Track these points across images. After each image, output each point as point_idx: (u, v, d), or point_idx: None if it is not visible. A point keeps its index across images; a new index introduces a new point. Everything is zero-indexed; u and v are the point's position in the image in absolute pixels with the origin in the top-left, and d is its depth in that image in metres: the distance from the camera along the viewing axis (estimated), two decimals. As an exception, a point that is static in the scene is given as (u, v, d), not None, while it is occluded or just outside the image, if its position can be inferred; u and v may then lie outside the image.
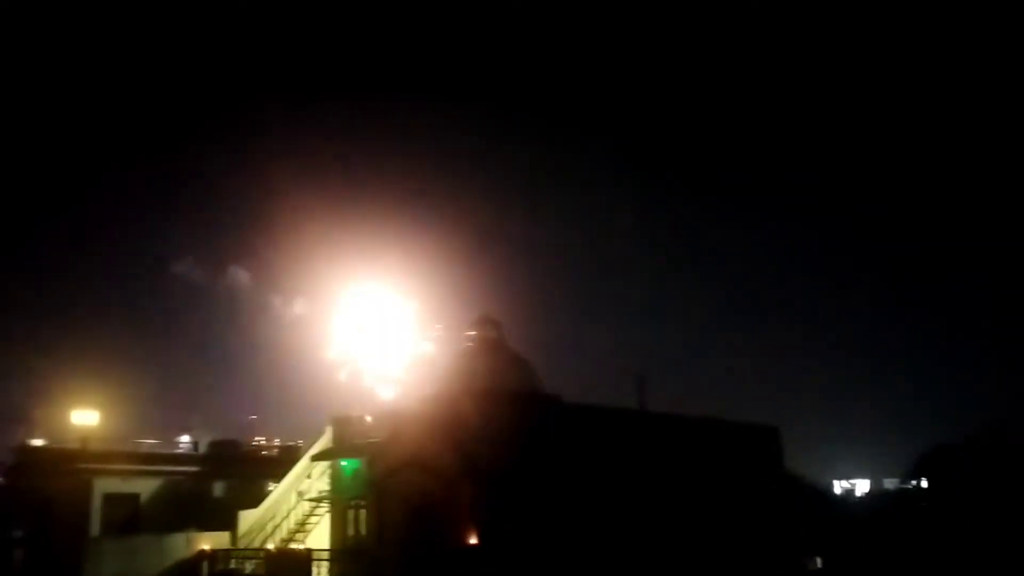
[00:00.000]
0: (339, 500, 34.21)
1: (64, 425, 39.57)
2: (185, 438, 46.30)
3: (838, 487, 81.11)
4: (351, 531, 33.27)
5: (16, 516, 37.61)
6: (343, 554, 31.91)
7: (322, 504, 35.27)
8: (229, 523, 35.15)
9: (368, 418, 35.95)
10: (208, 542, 34.23)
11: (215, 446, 42.26)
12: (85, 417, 38.08)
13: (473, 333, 34.46)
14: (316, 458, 36.37)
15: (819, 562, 43.91)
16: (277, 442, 48.82)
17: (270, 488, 37.50)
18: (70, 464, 36.38)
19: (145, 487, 37.33)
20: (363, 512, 32.92)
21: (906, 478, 61.58)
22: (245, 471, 40.32)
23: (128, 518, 36.41)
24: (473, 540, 28.80)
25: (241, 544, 34.65)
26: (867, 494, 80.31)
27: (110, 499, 36.16)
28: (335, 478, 34.84)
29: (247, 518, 35.46)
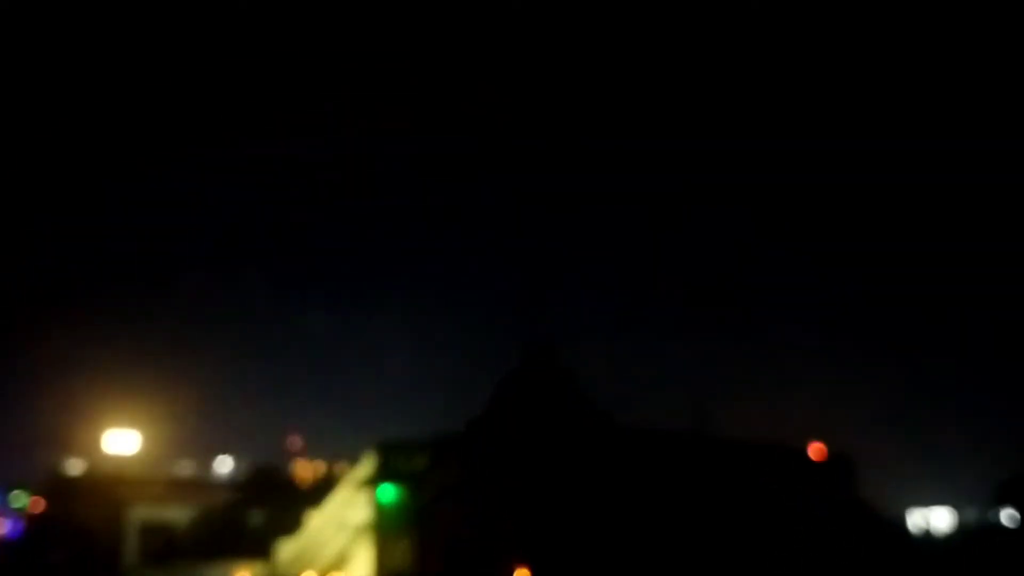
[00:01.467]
0: (380, 529, 32.72)
1: (101, 447, 38.96)
2: (226, 461, 45.40)
3: (916, 515, 77.97)
4: (392, 562, 31.79)
5: (53, 543, 36.91)
6: (384, 587, 30.50)
7: (363, 533, 33.88)
8: (267, 552, 33.91)
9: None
10: (245, 572, 33.08)
11: (254, 472, 41.30)
12: (123, 438, 37.43)
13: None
14: (356, 485, 34.96)
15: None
16: (320, 465, 47.67)
17: (309, 516, 36.17)
18: (106, 492, 35.71)
19: (182, 515, 36.61)
20: (405, 542, 31.43)
21: (989, 506, 58.70)
22: (284, 498, 39.18)
23: (164, 547, 35.55)
24: (522, 571, 27.29)
25: (280, 574, 33.33)
26: (947, 523, 77.18)
27: (146, 527, 35.45)
28: (376, 506, 33.37)
29: (286, 547, 34.16)
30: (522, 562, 27.37)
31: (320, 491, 37.94)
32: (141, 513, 35.37)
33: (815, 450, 38.43)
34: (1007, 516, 51.61)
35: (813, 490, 34.87)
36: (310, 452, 49.98)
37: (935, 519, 75.66)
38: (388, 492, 32.74)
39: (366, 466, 35.16)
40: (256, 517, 37.97)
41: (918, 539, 54.29)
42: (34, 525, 39.51)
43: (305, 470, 47.03)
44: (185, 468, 40.75)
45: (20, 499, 39.74)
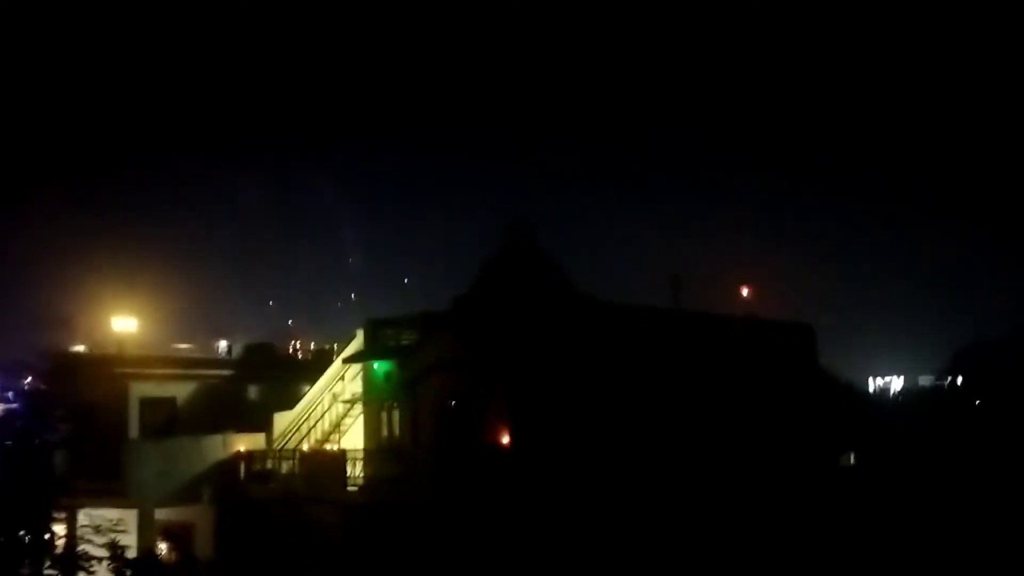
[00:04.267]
0: (372, 402, 34.31)
1: (103, 331, 40.01)
2: (222, 343, 46.67)
3: (872, 384, 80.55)
4: (385, 432, 33.43)
5: (57, 419, 38.00)
6: (377, 454, 32.11)
7: (356, 406, 35.50)
8: (264, 425, 35.56)
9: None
10: (244, 444, 34.67)
11: (249, 350, 42.50)
12: (124, 323, 38.40)
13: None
14: (348, 360, 36.44)
15: (852, 458, 43.92)
16: (312, 346, 49.10)
17: (304, 390, 37.70)
18: (107, 369, 36.73)
19: (181, 391, 37.71)
20: (396, 413, 33.01)
21: (942, 375, 60.94)
22: (279, 374, 40.55)
23: (165, 421, 36.91)
24: (505, 440, 28.92)
25: (277, 445, 35.06)
26: (902, 391, 79.82)
27: (147, 403, 36.64)
28: (368, 380, 34.89)
29: (282, 420, 35.81)
30: (507, 429, 29.03)
31: (314, 366, 39.46)
32: (142, 389, 36.35)
33: (746, 290, 40.73)
34: (956, 384, 53.96)
35: (777, 358, 36.73)
36: (303, 332, 51.58)
37: (892, 386, 78.43)
38: (379, 366, 34.28)
39: (358, 342, 36.67)
40: (253, 392, 39.39)
41: (872, 401, 56.58)
42: (37, 402, 40.47)
43: (299, 348, 48.63)
44: (185, 351, 41.91)
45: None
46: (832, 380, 41.80)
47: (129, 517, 32.40)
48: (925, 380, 72.83)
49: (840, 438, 40.54)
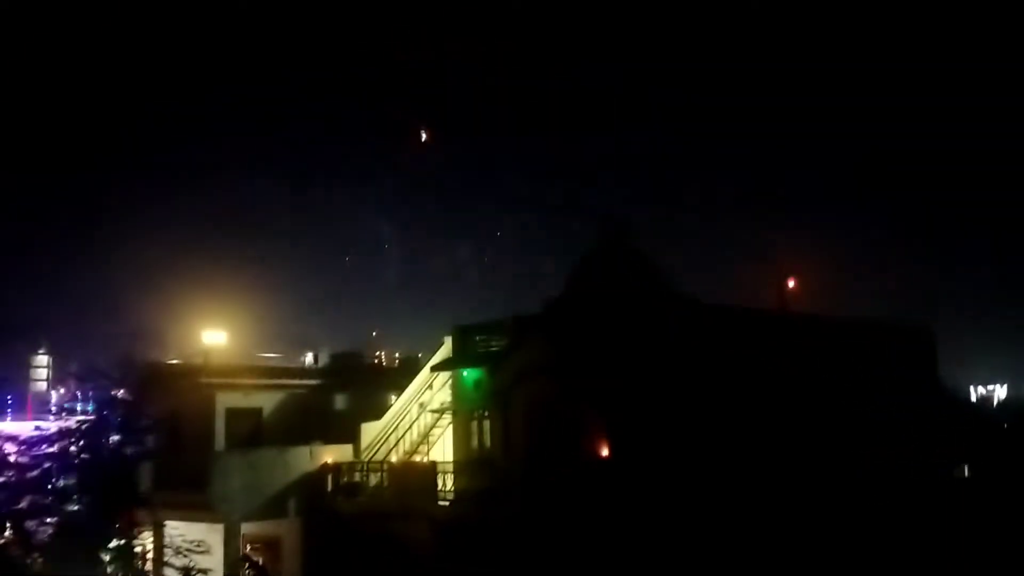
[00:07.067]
0: (462, 411, 33.04)
1: (192, 344, 39.65)
2: (308, 354, 45.99)
3: (975, 393, 76.92)
4: (475, 442, 32.11)
5: (142, 432, 37.60)
6: (468, 465, 30.90)
7: (445, 415, 34.25)
8: (351, 436, 34.50)
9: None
10: (331, 455, 33.71)
11: (336, 359, 41.67)
12: (213, 336, 37.94)
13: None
14: (436, 368, 35.20)
15: (966, 471, 41.40)
16: (397, 355, 48.10)
17: (392, 400, 36.59)
18: (193, 379, 36.14)
19: (267, 401, 36.94)
20: (487, 423, 31.68)
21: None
22: (366, 384, 39.47)
23: (251, 432, 36.17)
24: (603, 452, 27.35)
25: (364, 456, 34.01)
26: (1007, 399, 75.95)
27: (233, 413, 35.93)
28: (457, 389, 33.64)
29: (369, 431, 34.71)
30: (604, 439, 27.43)
31: (402, 376, 38.33)
32: (228, 400, 35.70)
33: (792, 282, 37.49)
34: None
35: (893, 363, 34.37)
36: (391, 342, 50.69)
37: (995, 394, 74.59)
38: (468, 373, 32.97)
39: (445, 349, 35.43)
40: (340, 402, 38.42)
41: (982, 410, 53.46)
42: (123, 414, 40.01)
43: (387, 357, 47.68)
44: (269, 359, 41.28)
45: None
46: (942, 387, 39.18)
47: (215, 531, 31.70)
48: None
49: (953, 448, 37.98)
